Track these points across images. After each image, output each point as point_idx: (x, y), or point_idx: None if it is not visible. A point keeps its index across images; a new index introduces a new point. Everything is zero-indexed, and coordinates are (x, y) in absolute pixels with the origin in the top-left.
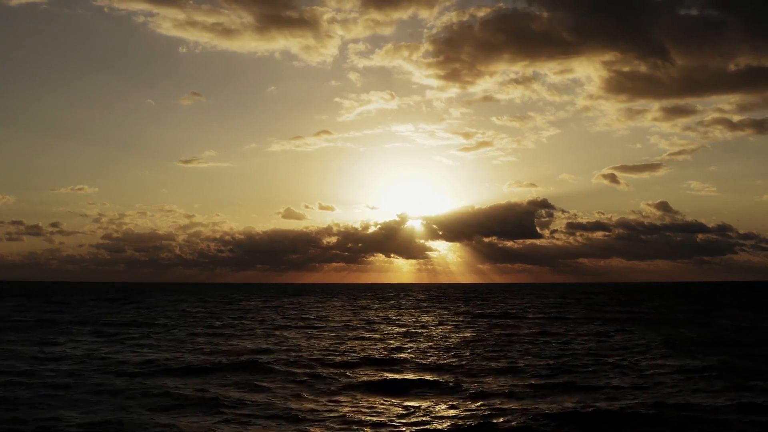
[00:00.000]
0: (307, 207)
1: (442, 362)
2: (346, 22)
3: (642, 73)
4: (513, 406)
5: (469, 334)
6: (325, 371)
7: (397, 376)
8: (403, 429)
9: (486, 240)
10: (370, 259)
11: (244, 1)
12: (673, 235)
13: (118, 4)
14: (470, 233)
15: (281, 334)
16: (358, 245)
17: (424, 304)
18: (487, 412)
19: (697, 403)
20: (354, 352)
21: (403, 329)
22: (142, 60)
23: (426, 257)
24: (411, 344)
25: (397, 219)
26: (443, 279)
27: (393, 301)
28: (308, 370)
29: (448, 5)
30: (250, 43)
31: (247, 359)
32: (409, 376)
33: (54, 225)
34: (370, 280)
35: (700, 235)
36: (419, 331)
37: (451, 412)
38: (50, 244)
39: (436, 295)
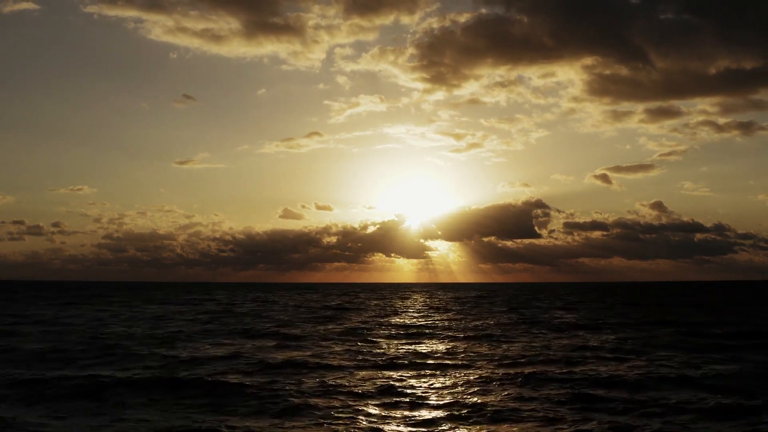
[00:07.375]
0: (304, 207)
1: None
2: (330, 28)
3: (624, 76)
4: None
5: None
6: None
7: None
8: None
9: (485, 240)
10: (371, 258)
11: (231, 9)
12: (671, 235)
13: (108, 11)
14: (469, 233)
15: None
16: (357, 245)
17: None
18: None
19: None
20: None
21: None
22: (134, 65)
23: (426, 257)
24: None
25: (395, 219)
26: (445, 278)
27: None
28: None
29: (429, 11)
30: (239, 49)
31: None
32: None
33: (55, 225)
34: (372, 280)
35: (698, 235)
36: None
37: None
38: (52, 243)
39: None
